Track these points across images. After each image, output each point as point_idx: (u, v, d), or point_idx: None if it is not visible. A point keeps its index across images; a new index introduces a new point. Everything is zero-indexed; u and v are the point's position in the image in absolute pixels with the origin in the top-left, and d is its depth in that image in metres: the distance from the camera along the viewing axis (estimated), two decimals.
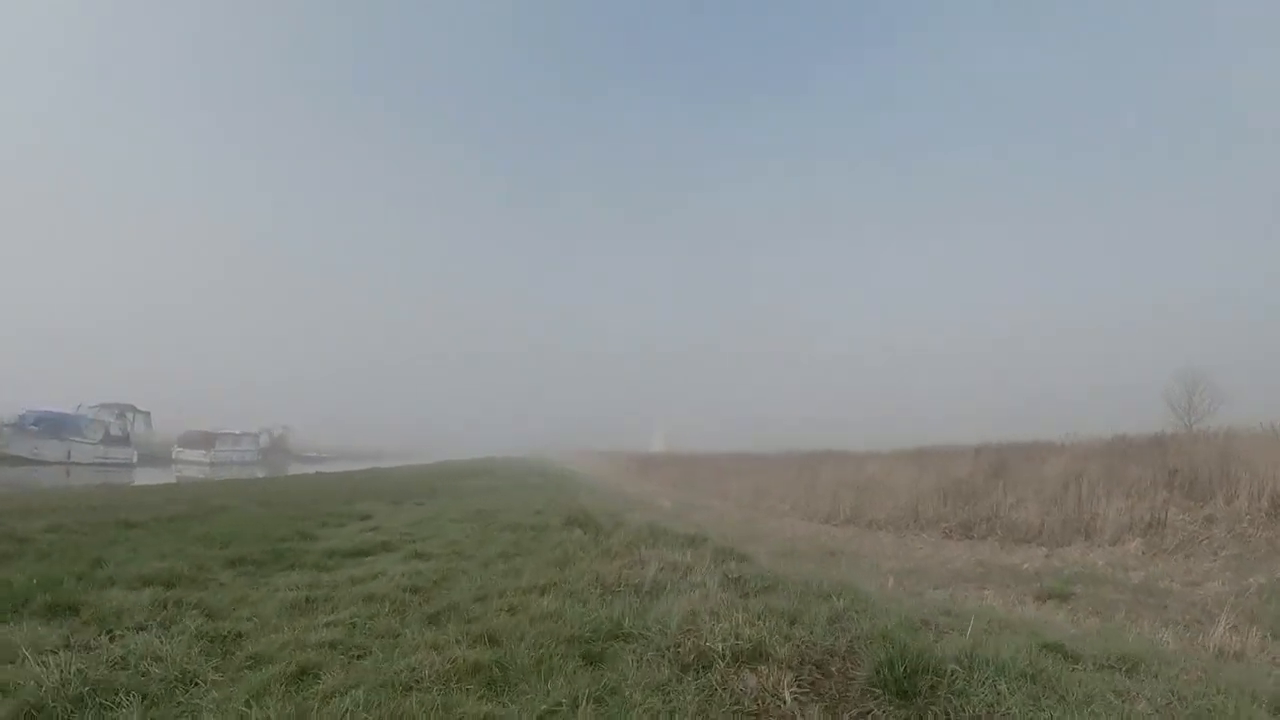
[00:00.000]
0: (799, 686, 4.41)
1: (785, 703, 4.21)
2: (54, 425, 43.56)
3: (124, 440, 48.17)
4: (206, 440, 55.86)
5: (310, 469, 46.72)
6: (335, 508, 15.31)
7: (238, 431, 61.43)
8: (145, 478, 34.67)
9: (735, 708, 4.22)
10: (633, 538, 9.65)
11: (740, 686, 4.39)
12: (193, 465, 49.36)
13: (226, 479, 30.45)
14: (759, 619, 5.20)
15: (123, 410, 49.92)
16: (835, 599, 6.40)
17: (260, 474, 40.12)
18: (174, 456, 53.05)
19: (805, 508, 24.82)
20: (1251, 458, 14.15)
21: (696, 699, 4.28)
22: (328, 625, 5.63)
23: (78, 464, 41.42)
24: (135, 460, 46.89)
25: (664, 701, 4.23)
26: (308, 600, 6.50)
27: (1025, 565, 13.34)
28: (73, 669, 4.29)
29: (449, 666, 4.49)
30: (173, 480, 33.70)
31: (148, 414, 53.71)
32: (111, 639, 5.18)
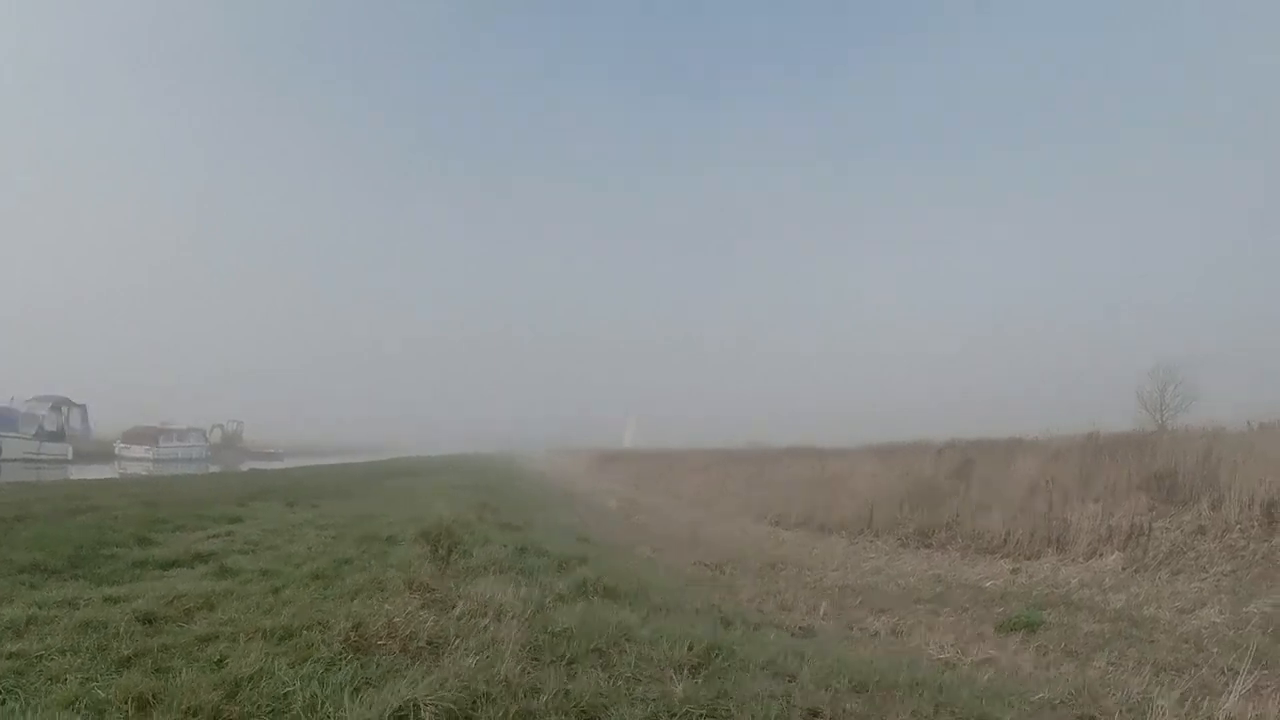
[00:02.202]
0: None
1: None
2: None
3: (59, 436, 45.78)
4: (150, 436, 53.45)
5: (265, 466, 45.66)
6: (217, 509, 13.57)
7: (184, 427, 58.92)
8: (79, 475, 32.56)
9: None
10: (486, 561, 8.18)
11: None
12: (136, 462, 46.82)
13: (139, 476, 28.97)
14: None
15: (58, 404, 47.51)
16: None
17: (213, 470, 39.05)
18: (117, 453, 50.35)
19: (758, 508, 23.33)
20: (1237, 458, 12.59)
21: None
22: None
23: (9, 460, 39.00)
24: (70, 456, 44.38)
25: None
26: (28, 622, 5.06)
27: (989, 583, 11.74)
28: None
29: None
30: (99, 477, 31.56)
31: (84, 407, 51.44)
32: None
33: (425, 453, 77.38)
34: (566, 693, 4.06)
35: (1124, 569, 10.90)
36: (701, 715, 3.98)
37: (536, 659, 4.72)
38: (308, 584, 6.77)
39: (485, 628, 5.11)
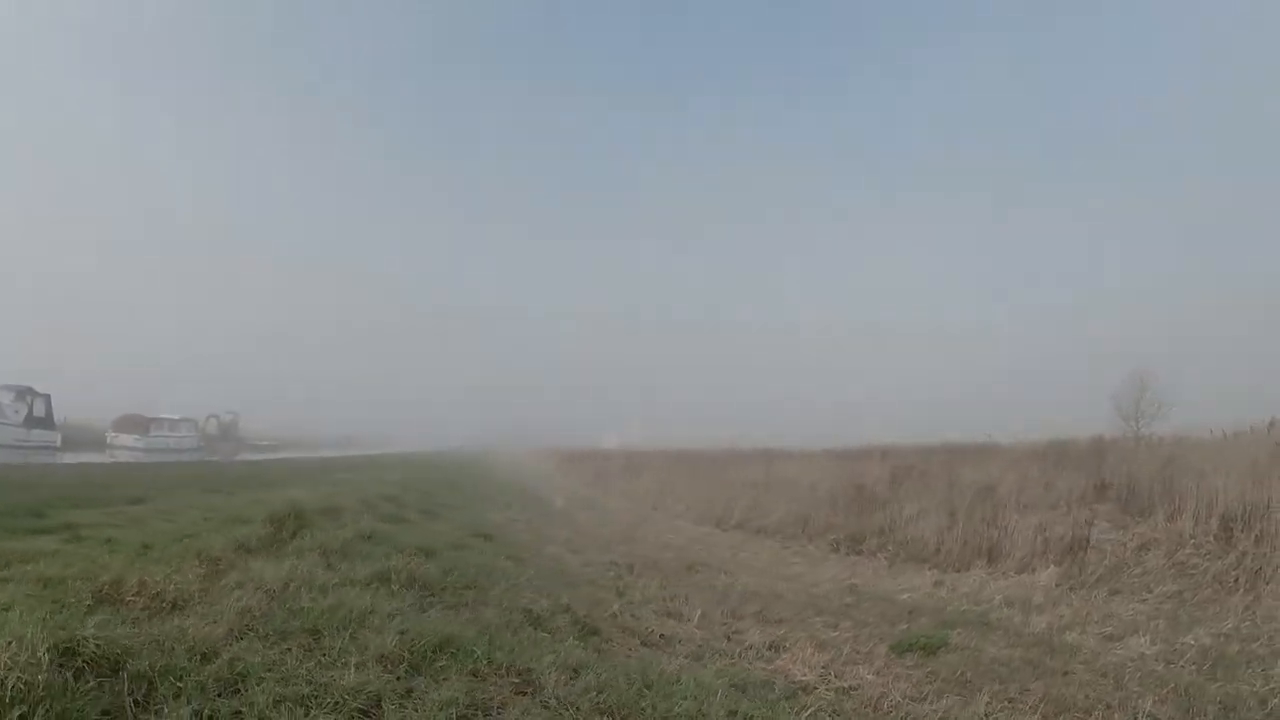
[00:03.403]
0: None
1: None
2: None
3: (48, 422, 44.72)
4: (141, 425, 52.35)
5: (259, 457, 45.39)
6: (131, 492, 13.79)
7: (176, 417, 57.74)
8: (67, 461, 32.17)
9: None
10: (314, 544, 7.97)
11: None
12: (126, 451, 45.78)
13: (109, 463, 28.34)
14: None
15: (21, 393, 46.23)
16: None
17: (213, 459, 39.01)
18: (108, 441, 49.36)
19: (703, 509, 22.28)
20: (1201, 467, 11.19)
21: None
22: None
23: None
24: (59, 444, 43.36)
25: None
26: None
27: (905, 595, 10.28)
28: None
29: None
30: (77, 462, 30.91)
31: (48, 397, 50.10)
32: None
33: (423, 448, 76.83)
34: (231, 664, 4.10)
35: (1058, 585, 9.44)
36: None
37: (248, 631, 4.73)
38: (133, 551, 7.01)
39: (239, 598, 5.31)
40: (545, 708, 4.40)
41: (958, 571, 10.93)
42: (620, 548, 15.08)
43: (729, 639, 7.98)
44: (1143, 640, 7.26)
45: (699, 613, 8.77)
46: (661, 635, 7.53)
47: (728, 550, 15.67)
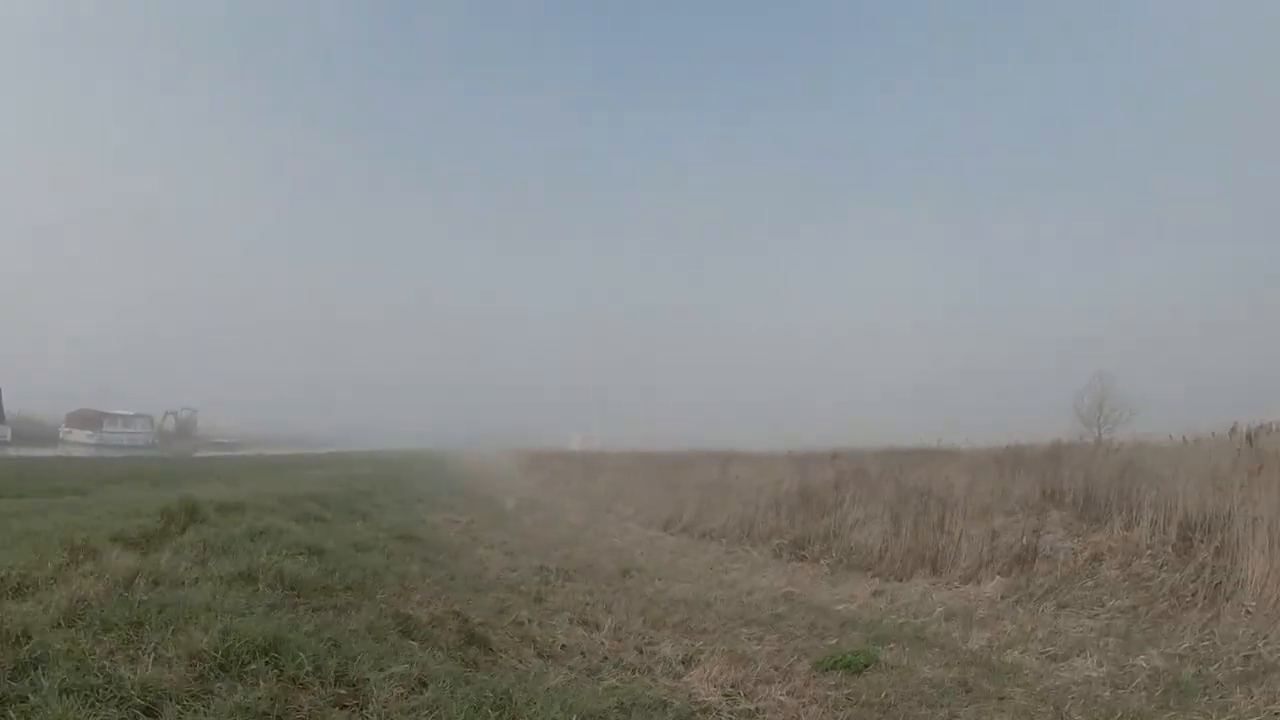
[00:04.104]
0: None
1: None
2: None
3: None
4: (94, 420, 51.79)
5: (215, 454, 46.25)
6: (77, 484, 14.85)
7: (130, 413, 56.97)
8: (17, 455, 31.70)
9: None
10: (197, 539, 7.68)
11: None
12: (80, 446, 45.50)
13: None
14: None
15: None
16: None
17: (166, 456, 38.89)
18: (61, 436, 49.71)
19: (652, 511, 21.61)
20: (1161, 472, 10.50)
21: None
22: None
23: None
24: (9, 438, 43.53)
25: None
26: None
27: (841, 605, 9.54)
28: None
29: None
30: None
31: None
32: None
33: (401, 446, 77.37)
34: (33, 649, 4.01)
35: (1003, 598, 8.73)
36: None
37: (76, 619, 4.63)
38: (9, 539, 6.99)
39: (78, 587, 5.16)
40: None
41: (900, 581, 10.21)
42: (559, 551, 14.47)
43: (640, 651, 7.34)
44: (1089, 661, 6.53)
45: (614, 622, 8.11)
46: (564, 646, 6.98)
47: (670, 555, 15.04)
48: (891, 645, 7.54)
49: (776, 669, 6.89)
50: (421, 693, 4.47)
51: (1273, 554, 7.17)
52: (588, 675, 6.05)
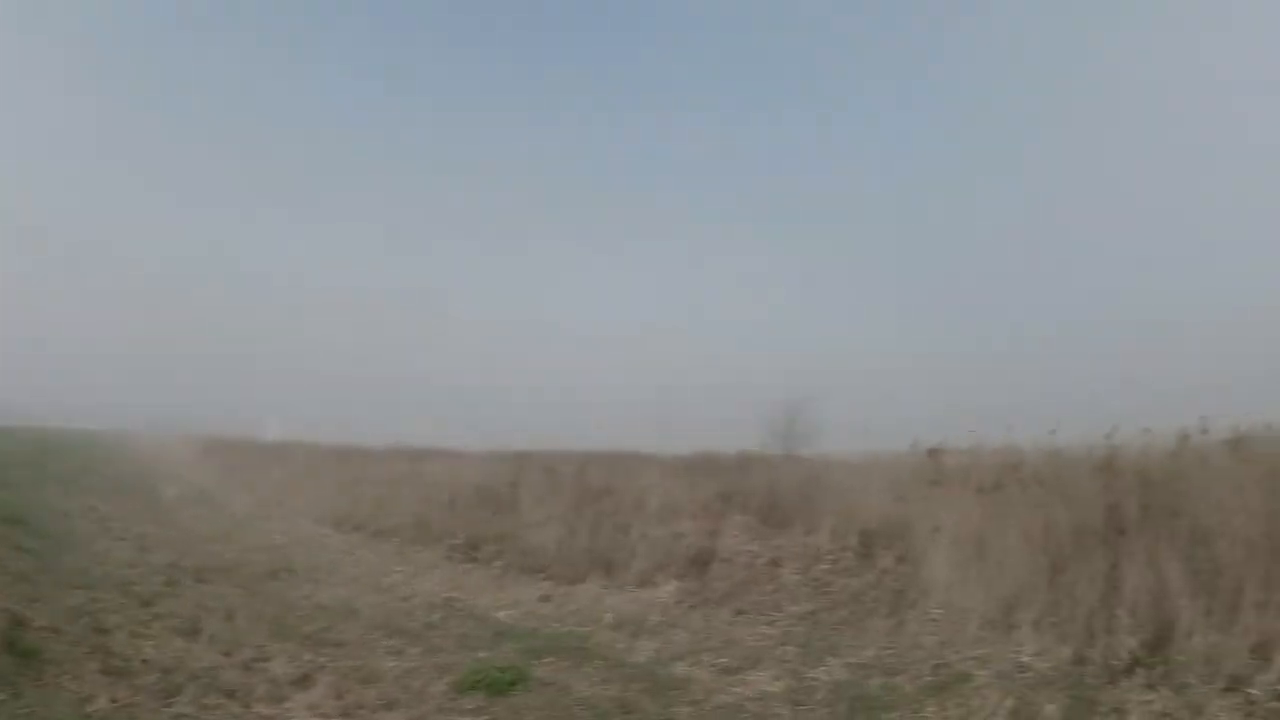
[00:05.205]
0: None
1: None
2: None
3: None
4: None
5: None
6: None
7: None
8: None
9: None
10: None
11: None
12: None
13: None
14: None
15: None
16: None
17: None
18: None
19: (327, 507, 19.60)
20: (846, 483, 10.46)
21: None
22: None
23: None
24: None
25: None
26: None
27: (503, 612, 8.28)
28: None
29: None
30: None
31: None
32: None
33: (53, 424, 66.60)
34: None
35: (679, 602, 7.91)
36: None
37: None
38: None
39: None
40: None
41: (572, 584, 9.15)
42: (207, 547, 12.70)
43: (248, 668, 5.98)
44: (764, 675, 5.66)
45: (231, 633, 6.77)
46: (145, 661, 5.82)
47: (334, 554, 13.34)
48: (548, 659, 6.34)
49: (406, 690, 5.64)
50: None
51: (955, 562, 6.83)
52: (156, 699, 5.01)
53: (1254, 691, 4.33)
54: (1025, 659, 5.37)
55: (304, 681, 5.63)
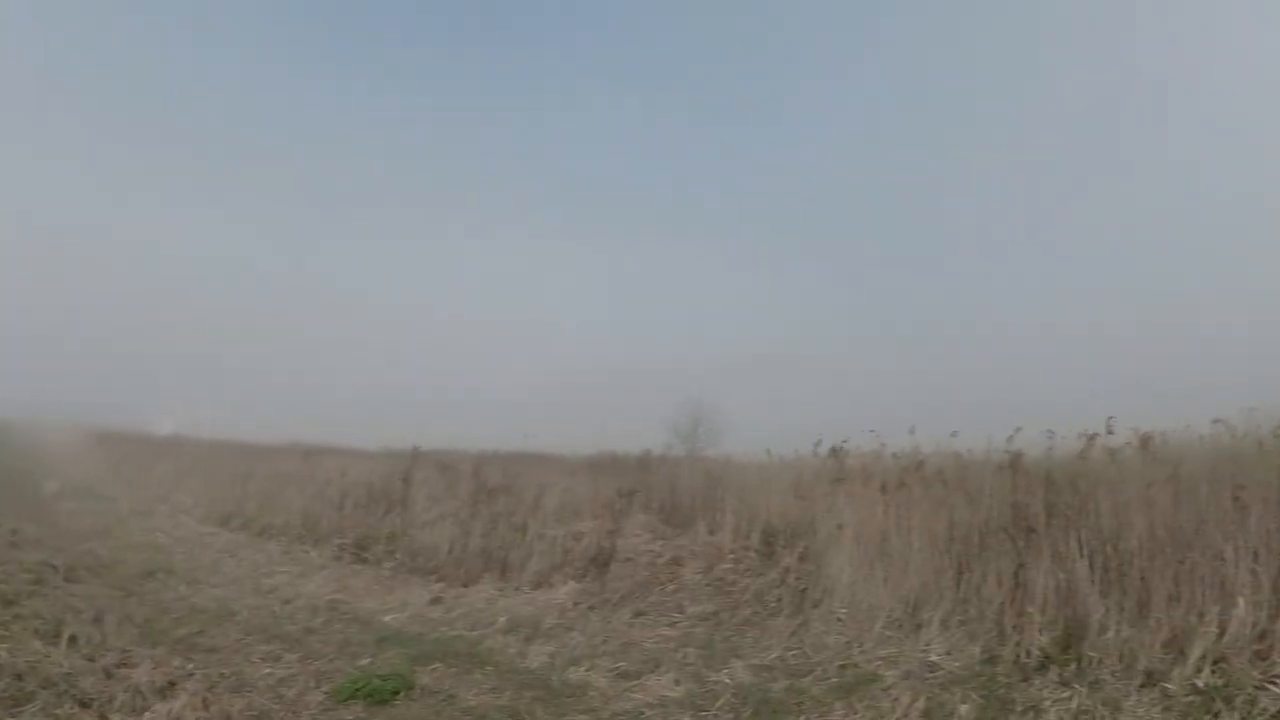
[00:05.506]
0: None
1: None
2: None
3: None
4: None
5: None
6: None
7: None
8: None
9: None
10: None
11: None
12: None
13: None
14: None
15: None
16: None
17: None
18: None
19: (214, 504, 18.65)
20: (749, 482, 10.34)
21: None
22: None
23: None
24: None
25: None
26: None
27: (390, 615, 7.81)
28: None
29: None
30: None
31: None
32: None
33: None
34: None
35: (576, 604, 7.60)
36: None
37: None
38: None
39: None
40: None
41: (465, 585, 8.73)
42: (83, 544, 11.91)
43: (109, 676, 5.46)
44: (664, 679, 5.37)
45: (95, 637, 6.24)
46: None
47: (217, 554, 12.58)
48: (435, 665, 5.94)
49: (280, 699, 5.23)
50: None
51: (859, 561, 6.72)
52: (2, 707, 4.71)
53: (1170, 686, 4.33)
54: (934, 658, 5.30)
55: (169, 690, 5.18)
